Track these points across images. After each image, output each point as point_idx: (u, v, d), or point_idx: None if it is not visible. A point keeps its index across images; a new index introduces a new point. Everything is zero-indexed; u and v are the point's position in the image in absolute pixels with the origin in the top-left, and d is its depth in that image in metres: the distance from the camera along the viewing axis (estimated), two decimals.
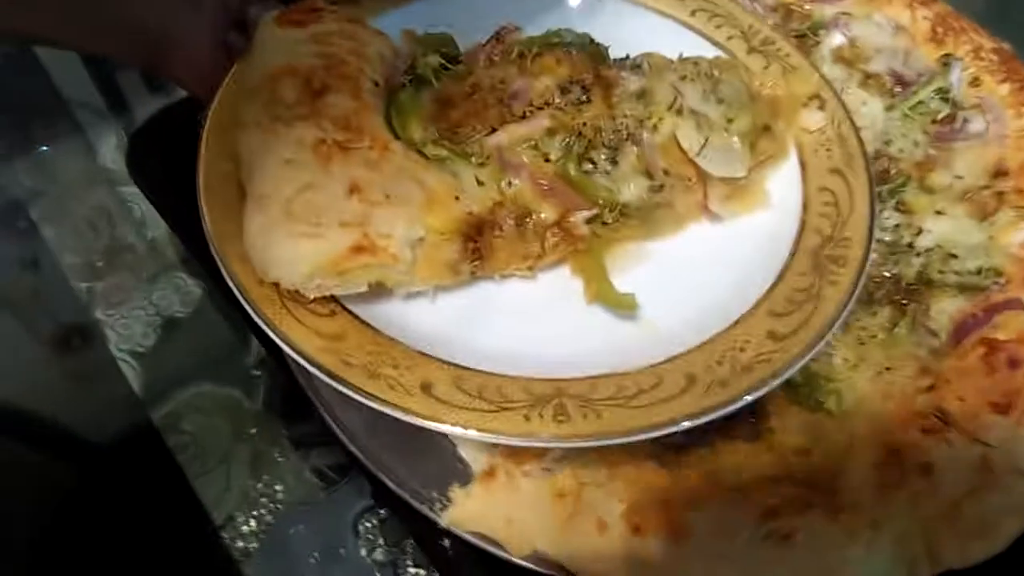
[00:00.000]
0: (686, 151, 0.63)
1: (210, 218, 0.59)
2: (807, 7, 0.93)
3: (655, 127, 0.64)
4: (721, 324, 0.59)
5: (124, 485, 0.75)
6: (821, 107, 0.72)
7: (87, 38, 0.69)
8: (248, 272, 0.56)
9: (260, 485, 0.71)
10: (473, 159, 0.61)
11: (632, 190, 0.62)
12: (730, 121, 0.64)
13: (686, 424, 0.53)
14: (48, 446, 0.83)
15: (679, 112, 0.64)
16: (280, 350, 0.55)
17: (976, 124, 0.81)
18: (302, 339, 0.55)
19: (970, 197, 0.75)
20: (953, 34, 0.88)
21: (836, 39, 0.88)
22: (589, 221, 0.62)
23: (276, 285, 0.56)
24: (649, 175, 0.63)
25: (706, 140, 0.63)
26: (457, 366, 0.56)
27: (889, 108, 0.83)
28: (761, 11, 0.91)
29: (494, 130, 0.63)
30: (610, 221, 0.63)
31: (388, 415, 0.52)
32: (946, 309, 0.68)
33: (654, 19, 0.79)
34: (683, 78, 0.66)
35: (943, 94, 0.84)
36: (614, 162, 0.63)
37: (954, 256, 0.71)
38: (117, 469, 0.77)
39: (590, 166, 0.63)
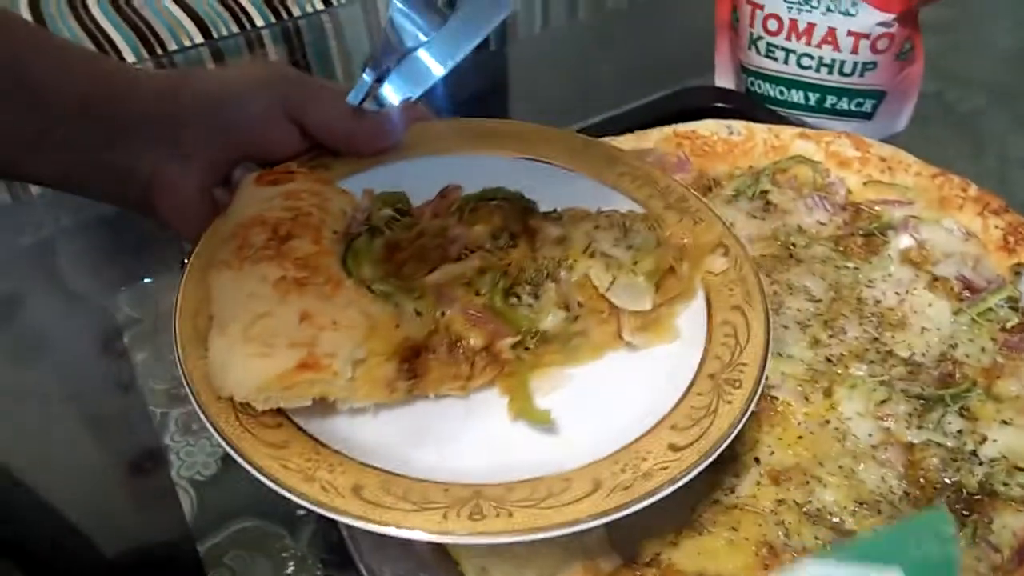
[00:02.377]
0: (598, 287, 0.74)
1: (181, 341, 0.68)
2: (877, 208, 0.94)
3: (571, 267, 0.74)
4: (629, 438, 0.66)
5: None
6: (725, 253, 0.83)
7: (86, 184, 0.81)
8: (208, 390, 0.64)
9: None
10: (414, 293, 0.71)
11: (551, 320, 0.72)
12: (636, 263, 0.75)
13: (590, 523, 0.59)
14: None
15: (592, 255, 0.75)
16: None
17: None
18: (249, 447, 0.62)
19: None
20: None
21: (904, 241, 0.89)
22: (514, 347, 0.71)
23: (231, 401, 0.63)
24: (567, 307, 0.73)
25: (614, 278, 0.73)
26: (387, 472, 0.62)
27: (956, 312, 0.83)
28: (830, 209, 0.93)
29: (433, 270, 0.73)
30: (532, 347, 0.71)
31: None
32: (1010, 524, 0.64)
33: (585, 182, 0.92)
34: (597, 227, 0.78)
35: (1013, 303, 0.83)
36: (536, 296, 0.73)
37: (1020, 469, 0.69)
38: None
39: (515, 300, 0.73)
